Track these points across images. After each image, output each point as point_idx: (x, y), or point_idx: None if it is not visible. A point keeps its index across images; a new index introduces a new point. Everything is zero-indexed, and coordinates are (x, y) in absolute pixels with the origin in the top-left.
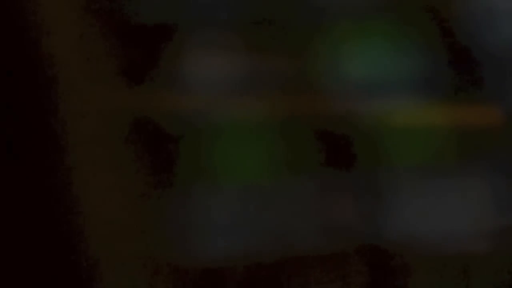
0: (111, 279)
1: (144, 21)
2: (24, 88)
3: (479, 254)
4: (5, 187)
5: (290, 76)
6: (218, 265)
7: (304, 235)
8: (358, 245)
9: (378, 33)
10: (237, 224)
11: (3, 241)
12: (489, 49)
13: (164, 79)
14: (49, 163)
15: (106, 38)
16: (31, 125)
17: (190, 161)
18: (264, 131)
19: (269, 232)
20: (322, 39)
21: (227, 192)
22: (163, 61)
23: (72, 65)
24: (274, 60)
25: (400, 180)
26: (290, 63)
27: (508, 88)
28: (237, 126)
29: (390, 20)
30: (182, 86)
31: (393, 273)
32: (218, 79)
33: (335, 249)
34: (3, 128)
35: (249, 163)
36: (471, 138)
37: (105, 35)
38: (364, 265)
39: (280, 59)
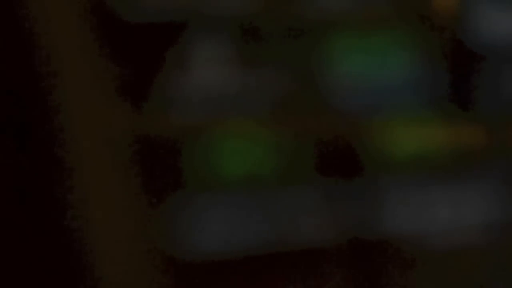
0: (112, 274)
1: (144, 37)
2: (29, 108)
3: (467, 252)
4: (13, 206)
5: (292, 88)
6: (214, 259)
7: (301, 233)
8: (350, 241)
9: (379, 44)
10: (234, 221)
11: (17, 256)
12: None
13: (165, 95)
14: (56, 179)
15: (108, 59)
16: (37, 142)
17: (193, 168)
18: (266, 140)
19: (267, 229)
20: (322, 50)
21: (227, 194)
22: (164, 77)
23: (76, 84)
24: (276, 71)
25: (395, 184)
26: (292, 74)
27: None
28: (239, 135)
29: (390, 32)
30: (182, 101)
31: (384, 270)
32: (219, 92)
33: (329, 245)
34: (9, 148)
35: (250, 170)
36: (465, 151)
37: (107, 55)
38: (357, 261)
39: (282, 71)
